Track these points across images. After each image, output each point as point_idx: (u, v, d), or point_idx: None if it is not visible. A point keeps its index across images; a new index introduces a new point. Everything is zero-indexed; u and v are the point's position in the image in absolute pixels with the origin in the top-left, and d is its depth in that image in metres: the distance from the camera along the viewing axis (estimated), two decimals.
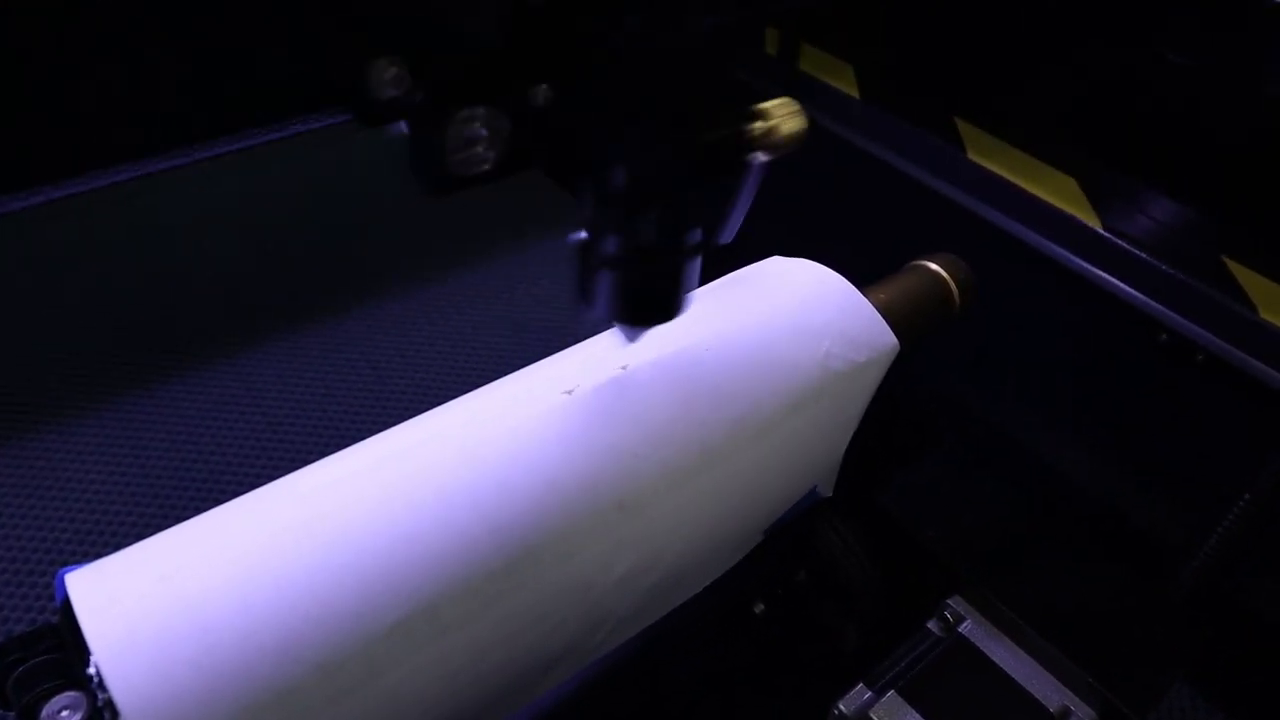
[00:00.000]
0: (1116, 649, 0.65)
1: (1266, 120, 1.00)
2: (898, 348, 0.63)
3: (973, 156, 1.00)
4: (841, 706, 0.61)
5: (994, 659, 0.64)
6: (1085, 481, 1.01)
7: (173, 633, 0.40)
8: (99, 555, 0.44)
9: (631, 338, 0.51)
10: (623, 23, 0.39)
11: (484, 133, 0.38)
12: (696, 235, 0.46)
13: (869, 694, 0.61)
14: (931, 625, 0.66)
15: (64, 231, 1.31)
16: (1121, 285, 0.88)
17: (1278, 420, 0.81)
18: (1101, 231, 0.92)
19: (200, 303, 1.25)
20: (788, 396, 0.58)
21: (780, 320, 0.60)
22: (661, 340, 0.56)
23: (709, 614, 0.63)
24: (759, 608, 0.69)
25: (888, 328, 0.63)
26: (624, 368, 0.55)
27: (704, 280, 0.65)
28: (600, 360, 0.55)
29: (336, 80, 0.35)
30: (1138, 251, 0.90)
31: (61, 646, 0.41)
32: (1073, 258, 0.91)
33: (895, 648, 0.64)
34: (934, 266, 0.71)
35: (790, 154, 0.49)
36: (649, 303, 0.48)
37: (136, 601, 0.41)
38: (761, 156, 0.46)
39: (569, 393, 0.53)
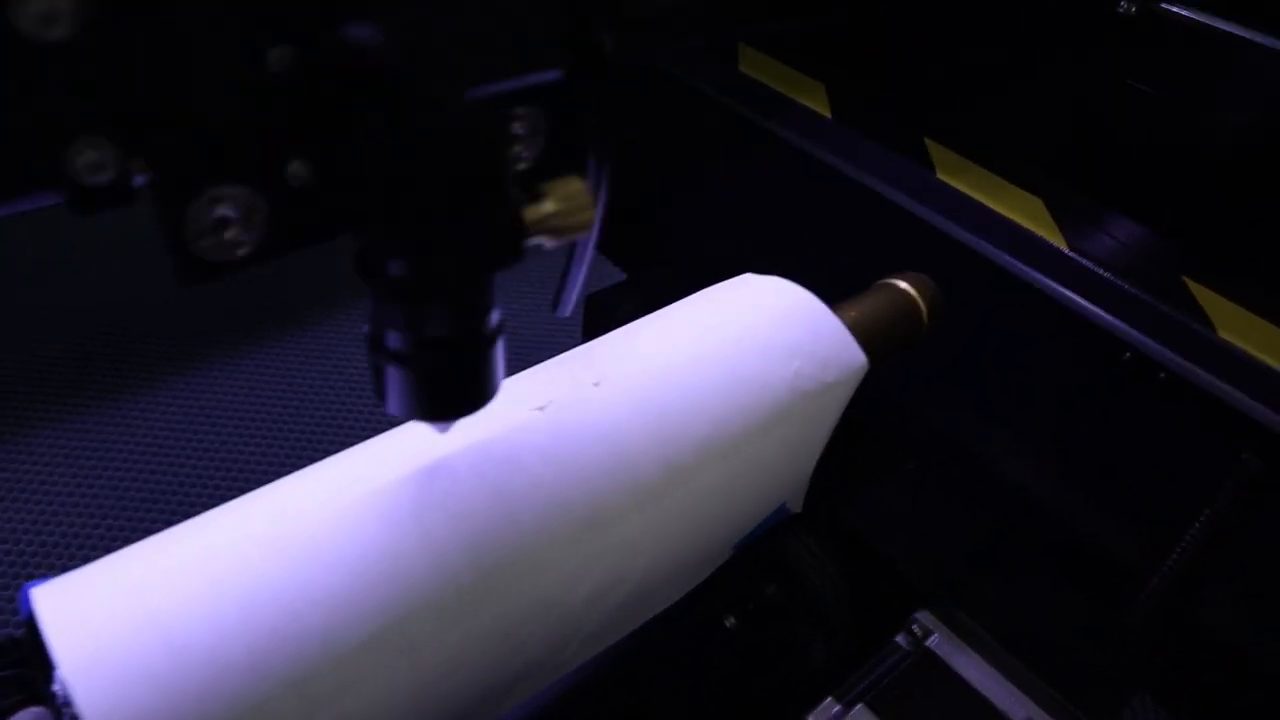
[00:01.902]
0: (1080, 664, 0.66)
1: (1225, 146, 1.03)
2: (867, 366, 0.64)
3: (942, 176, 1.01)
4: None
5: (960, 673, 0.65)
6: (1049, 498, 1.03)
7: (139, 649, 0.40)
8: (65, 569, 0.43)
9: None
10: (380, 95, 0.33)
11: (234, 214, 0.33)
12: (496, 318, 0.41)
13: (837, 708, 0.62)
14: (899, 639, 0.67)
15: (28, 245, 1.30)
16: (1086, 304, 0.90)
17: (1236, 438, 0.83)
18: (1067, 251, 0.94)
19: (170, 315, 1.24)
20: (757, 415, 0.58)
21: (750, 338, 0.61)
22: (633, 358, 0.57)
23: (678, 629, 0.64)
24: (729, 622, 0.70)
25: (858, 346, 0.64)
26: (596, 384, 0.55)
27: (676, 297, 0.66)
28: (572, 377, 0.55)
29: (37, 163, 0.29)
30: (1102, 271, 0.92)
31: (25, 662, 0.41)
32: (1039, 277, 0.92)
33: (863, 662, 0.65)
34: (903, 285, 0.72)
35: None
36: (451, 396, 0.42)
37: (103, 617, 0.41)
38: (548, 242, 0.40)
39: (541, 409, 0.53)
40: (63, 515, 0.99)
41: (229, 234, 0.34)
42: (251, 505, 0.48)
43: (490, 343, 0.41)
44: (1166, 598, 0.88)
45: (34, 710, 0.40)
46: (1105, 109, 1.09)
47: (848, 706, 0.61)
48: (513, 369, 0.59)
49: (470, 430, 0.53)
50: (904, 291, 0.72)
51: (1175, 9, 0.97)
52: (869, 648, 0.66)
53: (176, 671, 0.39)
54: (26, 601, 0.41)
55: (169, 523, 0.47)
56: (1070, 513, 1.02)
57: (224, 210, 0.33)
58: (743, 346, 0.61)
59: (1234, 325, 0.86)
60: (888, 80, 1.22)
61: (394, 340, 0.39)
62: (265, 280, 1.30)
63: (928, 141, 1.08)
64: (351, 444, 0.53)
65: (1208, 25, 0.95)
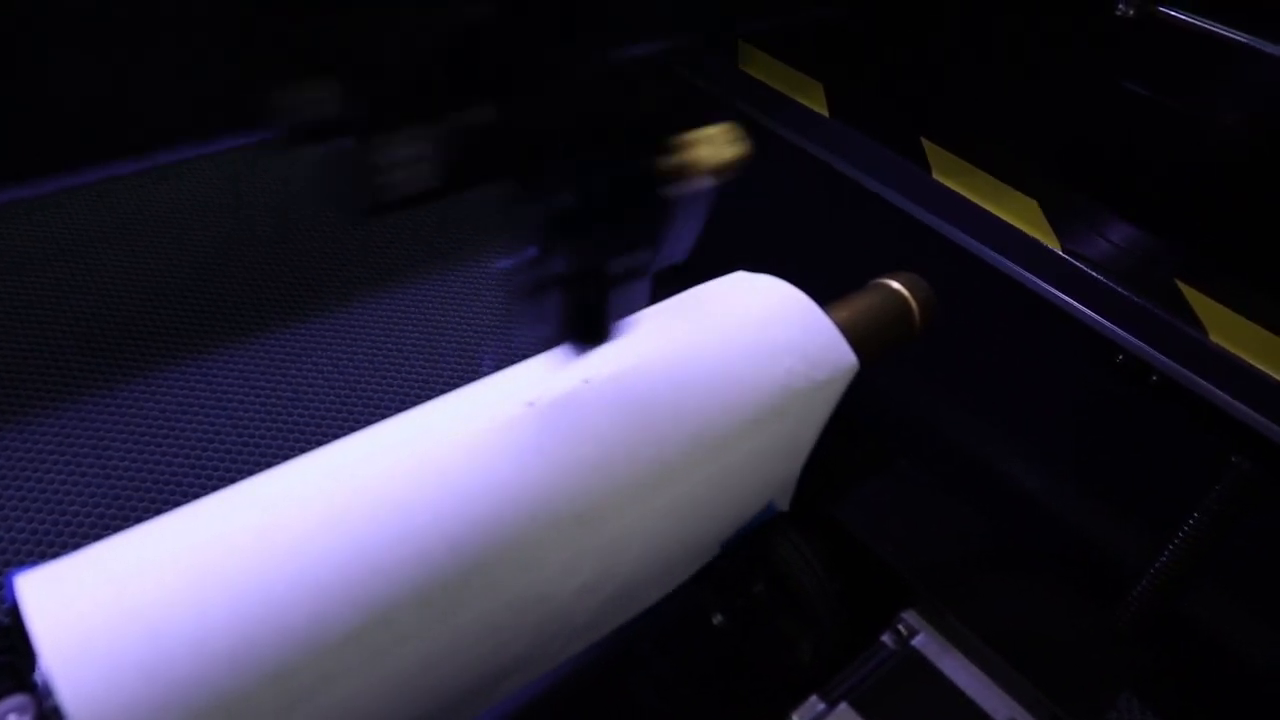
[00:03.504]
0: (1066, 665, 0.66)
1: (1220, 149, 1.03)
2: (857, 366, 0.65)
3: (938, 177, 1.01)
4: (795, 718, 0.62)
5: (945, 672, 0.65)
6: (1040, 498, 1.03)
7: (123, 638, 0.40)
8: (56, 555, 0.44)
9: (579, 355, 0.51)
10: (551, 47, 0.39)
11: (428, 151, 0.38)
12: (643, 255, 0.46)
13: (822, 705, 0.62)
14: (886, 638, 0.67)
15: (26, 231, 1.30)
16: (1079, 306, 0.90)
17: (1226, 441, 0.83)
18: (1061, 254, 0.94)
19: (165, 303, 1.24)
20: (747, 413, 0.58)
21: (742, 337, 0.61)
22: (624, 355, 0.57)
23: (666, 625, 0.64)
24: (717, 619, 0.70)
25: (848, 346, 0.64)
26: (586, 381, 0.55)
27: (668, 294, 0.66)
28: (562, 373, 0.55)
29: (268, 98, 0.34)
30: (1096, 274, 0.92)
31: (11, 649, 0.41)
32: (1033, 279, 0.93)
33: (850, 660, 0.65)
34: (896, 285, 0.72)
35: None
36: (594, 322, 0.48)
37: (88, 606, 0.41)
38: (703, 181, 0.46)
39: (531, 404, 0.53)
40: (55, 502, 0.99)
41: (417, 169, 0.38)
42: (238, 496, 0.48)
43: (642, 274, 0.47)
44: (1155, 599, 0.88)
45: (17, 699, 0.40)
46: (1102, 112, 1.09)
47: (832, 705, 0.62)
48: (507, 362, 0.59)
49: (459, 425, 0.53)
50: (897, 292, 0.72)
51: (1173, 12, 0.97)
52: (856, 646, 0.66)
53: (160, 662, 0.39)
54: (12, 589, 0.41)
55: (162, 511, 0.47)
56: (1060, 513, 1.02)
57: (418, 148, 0.37)
58: (733, 344, 0.61)
59: (1226, 329, 0.87)
60: (886, 81, 1.22)
61: (557, 267, 0.45)
62: (263, 272, 1.30)
63: (924, 142, 1.08)
64: (343, 436, 0.53)
65: (1205, 29, 0.95)
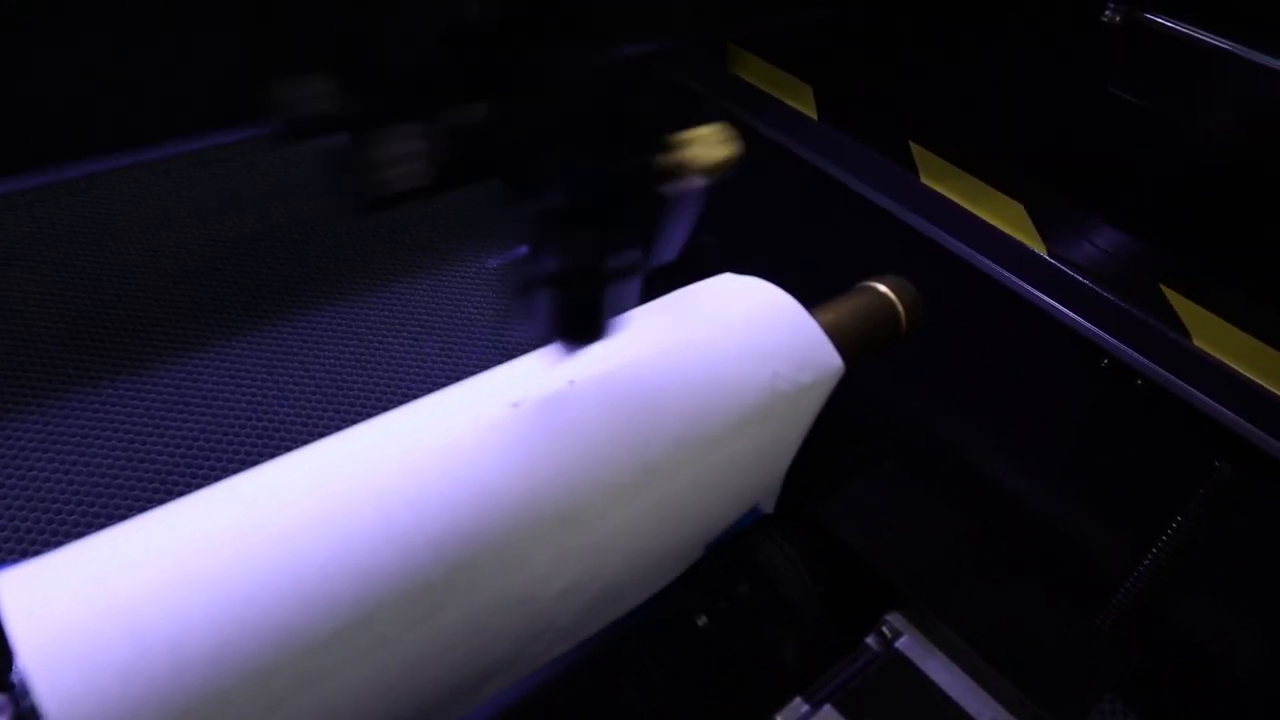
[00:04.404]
0: (1049, 666, 0.67)
1: (1204, 155, 1.04)
2: (843, 369, 0.65)
3: (926, 180, 1.02)
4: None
5: (929, 674, 0.65)
6: (1025, 501, 1.03)
7: (102, 637, 0.39)
8: (38, 554, 0.43)
9: (570, 353, 0.51)
10: (546, 46, 0.39)
11: (422, 148, 0.38)
12: (634, 255, 0.47)
13: (806, 707, 0.62)
14: (870, 640, 0.67)
15: (11, 227, 1.29)
16: (1065, 310, 0.91)
17: (1209, 445, 0.84)
18: (1047, 258, 0.94)
19: (151, 301, 1.23)
20: (732, 415, 0.58)
21: (728, 339, 0.61)
22: (609, 356, 0.57)
23: (650, 626, 0.64)
24: (701, 620, 0.70)
25: (834, 349, 0.64)
26: (571, 382, 0.55)
27: (655, 295, 0.66)
28: (547, 374, 0.55)
29: (268, 93, 0.34)
30: (1081, 278, 0.92)
31: None
32: (1019, 282, 0.93)
33: (833, 662, 0.65)
34: (882, 288, 0.72)
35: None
36: (586, 321, 0.48)
37: (67, 604, 0.40)
38: (696, 180, 0.46)
39: (515, 405, 0.53)
40: (38, 499, 0.98)
41: (412, 166, 0.38)
42: (220, 495, 0.48)
43: (633, 273, 0.47)
44: (1139, 601, 0.89)
45: None
46: (1088, 117, 1.10)
47: (816, 707, 0.62)
48: (492, 363, 0.59)
49: (444, 425, 0.53)
50: (883, 294, 0.72)
51: (1158, 19, 0.98)
52: (841, 648, 0.66)
53: (139, 661, 0.39)
54: None
55: (147, 508, 0.47)
56: (1045, 516, 1.03)
57: (413, 145, 0.38)
58: (719, 347, 0.61)
59: (1209, 334, 0.87)
60: (875, 84, 1.22)
61: (549, 265, 0.45)
62: (249, 272, 1.29)
63: (913, 145, 1.08)
64: (326, 437, 0.53)
65: (1190, 36, 0.95)
